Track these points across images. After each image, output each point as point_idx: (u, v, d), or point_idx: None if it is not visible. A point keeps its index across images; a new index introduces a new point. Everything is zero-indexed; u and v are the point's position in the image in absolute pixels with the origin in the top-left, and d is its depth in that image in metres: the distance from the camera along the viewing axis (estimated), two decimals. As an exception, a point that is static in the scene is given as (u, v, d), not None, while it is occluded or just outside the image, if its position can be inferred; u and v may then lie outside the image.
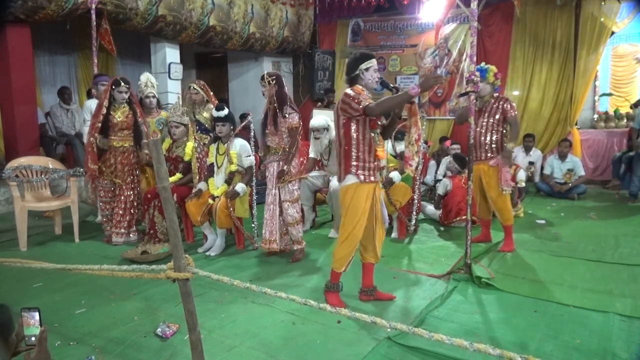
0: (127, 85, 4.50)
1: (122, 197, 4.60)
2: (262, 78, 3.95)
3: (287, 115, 3.93)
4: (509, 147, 4.15)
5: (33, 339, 1.57)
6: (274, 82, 3.91)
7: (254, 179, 4.49)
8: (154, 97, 5.20)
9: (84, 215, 5.27)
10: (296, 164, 4.09)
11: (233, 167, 4.30)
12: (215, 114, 4.27)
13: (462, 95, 3.85)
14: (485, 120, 4.21)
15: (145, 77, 5.20)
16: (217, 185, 4.34)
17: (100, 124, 4.45)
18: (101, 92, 5.38)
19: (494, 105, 4.22)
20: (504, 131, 4.25)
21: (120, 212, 4.58)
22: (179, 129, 4.61)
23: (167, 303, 3.18)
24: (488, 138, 4.21)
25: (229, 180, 4.32)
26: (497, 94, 4.30)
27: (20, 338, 1.60)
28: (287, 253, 4.22)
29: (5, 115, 6.03)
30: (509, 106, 4.17)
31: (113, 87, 4.46)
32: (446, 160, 6.32)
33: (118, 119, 4.51)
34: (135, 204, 4.67)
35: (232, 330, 2.82)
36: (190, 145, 4.61)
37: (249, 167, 4.38)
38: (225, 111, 4.25)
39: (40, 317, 1.60)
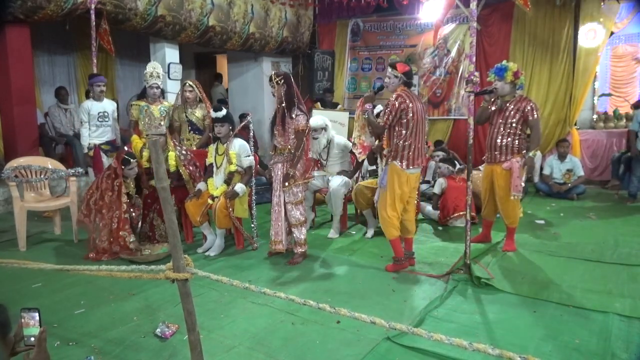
0: (136, 160, 4.32)
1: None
2: (271, 79, 3.93)
3: (294, 117, 3.91)
4: (530, 154, 4.06)
5: (32, 339, 1.57)
6: (282, 82, 3.89)
7: (253, 179, 4.49)
8: (157, 87, 5.13)
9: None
10: (302, 166, 4.01)
11: (232, 168, 4.30)
12: (214, 114, 4.27)
13: (479, 94, 3.81)
14: (503, 121, 4.08)
15: (151, 66, 5.13)
16: (216, 185, 4.34)
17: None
18: (97, 93, 5.35)
19: (515, 106, 4.06)
20: (523, 134, 4.10)
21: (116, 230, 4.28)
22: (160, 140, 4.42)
23: (167, 303, 3.18)
24: (505, 140, 4.07)
25: (228, 181, 4.32)
26: (520, 94, 4.18)
27: (20, 338, 1.60)
28: (290, 252, 4.19)
29: (4, 115, 6.02)
30: (529, 108, 4.00)
31: (123, 166, 4.21)
32: (432, 165, 6.35)
33: (129, 192, 4.34)
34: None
35: (231, 331, 2.82)
36: (172, 155, 4.51)
37: (249, 167, 4.37)
38: (224, 111, 4.25)
39: (40, 317, 1.60)
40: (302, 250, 4.11)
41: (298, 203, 4.04)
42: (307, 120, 3.98)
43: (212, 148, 4.44)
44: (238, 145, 4.35)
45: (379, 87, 3.92)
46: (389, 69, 3.71)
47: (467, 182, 3.67)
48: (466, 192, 3.68)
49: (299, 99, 4.01)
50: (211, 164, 4.41)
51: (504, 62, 4.14)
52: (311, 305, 1.80)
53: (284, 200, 4.04)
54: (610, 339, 2.66)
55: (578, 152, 7.41)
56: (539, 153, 7.08)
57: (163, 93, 5.41)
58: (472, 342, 1.49)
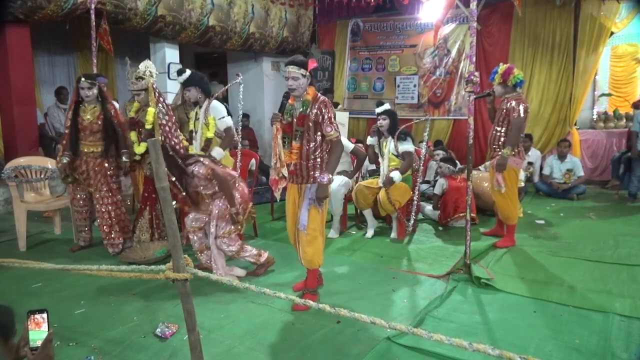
0: (90, 81, 4.05)
1: (103, 210, 4.21)
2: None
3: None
4: (503, 152, 4.17)
5: (39, 342, 1.56)
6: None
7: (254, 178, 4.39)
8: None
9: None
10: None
11: (209, 134, 4.10)
12: (179, 79, 4.16)
13: (478, 97, 3.86)
14: (500, 120, 4.28)
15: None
16: (196, 150, 4.17)
17: (68, 127, 4.03)
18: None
19: (504, 106, 4.25)
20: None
21: (106, 227, 4.21)
22: (140, 96, 4.19)
23: (167, 303, 3.18)
24: (500, 139, 4.27)
25: (205, 148, 4.12)
26: (516, 93, 4.27)
27: (25, 342, 1.58)
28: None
29: (4, 115, 6.02)
30: (512, 107, 4.16)
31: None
32: (433, 165, 6.35)
33: (87, 121, 4.09)
34: (121, 210, 4.34)
35: (231, 331, 2.82)
36: (151, 111, 4.02)
37: (226, 129, 4.13)
38: (186, 75, 4.11)
39: (48, 319, 1.60)
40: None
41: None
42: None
43: (192, 113, 4.26)
44: (212, 108, 4.13)
45: (286, 95, 3.29)
46: (293, 68, 3.00)
47: (467, 182, 3.68)
48: (467, 192, 3.69)
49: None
50: (191, 131, 4.25)
51: (500, 64, 4.29)
52: (311, 305, 1.80)
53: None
54: (610, 339, 2.66)
55: (578, 152, 7.42)
56: (538, 152, 7.12)
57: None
58: (472, 342, 1.49)
